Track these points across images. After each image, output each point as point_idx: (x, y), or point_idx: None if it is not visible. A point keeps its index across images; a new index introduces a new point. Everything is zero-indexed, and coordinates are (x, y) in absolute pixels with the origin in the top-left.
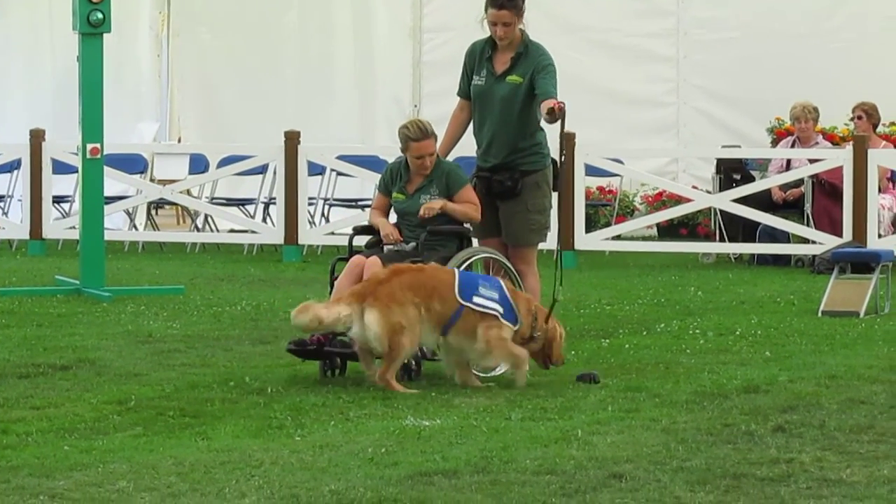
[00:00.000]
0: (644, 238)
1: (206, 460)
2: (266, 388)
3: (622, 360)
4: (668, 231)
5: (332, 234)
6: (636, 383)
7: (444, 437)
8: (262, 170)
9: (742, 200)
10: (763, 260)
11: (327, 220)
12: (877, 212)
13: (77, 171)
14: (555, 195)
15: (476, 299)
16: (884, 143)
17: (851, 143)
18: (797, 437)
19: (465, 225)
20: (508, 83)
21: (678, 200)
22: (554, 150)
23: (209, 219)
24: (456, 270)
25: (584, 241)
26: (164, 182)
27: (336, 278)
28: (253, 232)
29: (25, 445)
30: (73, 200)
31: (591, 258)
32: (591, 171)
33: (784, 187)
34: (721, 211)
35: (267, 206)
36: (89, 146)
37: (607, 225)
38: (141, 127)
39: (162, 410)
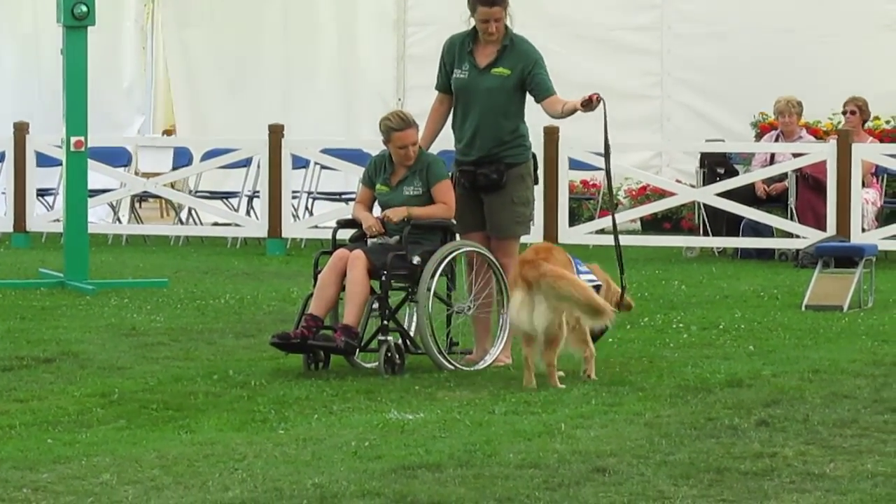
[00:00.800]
0: (628, 232)
1: (190, 453)
2: (250, 382)
3: (605, 354)
4: (651, 225)
5: (316, 227)
6: (620, 377)
7: (427, 430)
8: (246, 163)
9: (726, 194)
10: (747, 254)
11: (311, 214)
12: (861, 206)
13: (61, 164)
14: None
15: (582, 277)
16: (870, 138)
17: (835, 137)
18: (780, 431)
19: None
20: (494, 75)
21: (662, 194)
22: (537, 145)
23: (193, 212)
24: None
25: (568, 234)
26: (147, 175)
27: (320, 272)
28: (237, 225)
29: (9, 438)
30: (56, 193)
31: (574, 252)
32: (575, 164)
33: (768, 181)
34: (705, 205)
35: (251, 199)
36: (73, 139)
37: (591, 219)
38: (125, 120)
39: (145, 403)
